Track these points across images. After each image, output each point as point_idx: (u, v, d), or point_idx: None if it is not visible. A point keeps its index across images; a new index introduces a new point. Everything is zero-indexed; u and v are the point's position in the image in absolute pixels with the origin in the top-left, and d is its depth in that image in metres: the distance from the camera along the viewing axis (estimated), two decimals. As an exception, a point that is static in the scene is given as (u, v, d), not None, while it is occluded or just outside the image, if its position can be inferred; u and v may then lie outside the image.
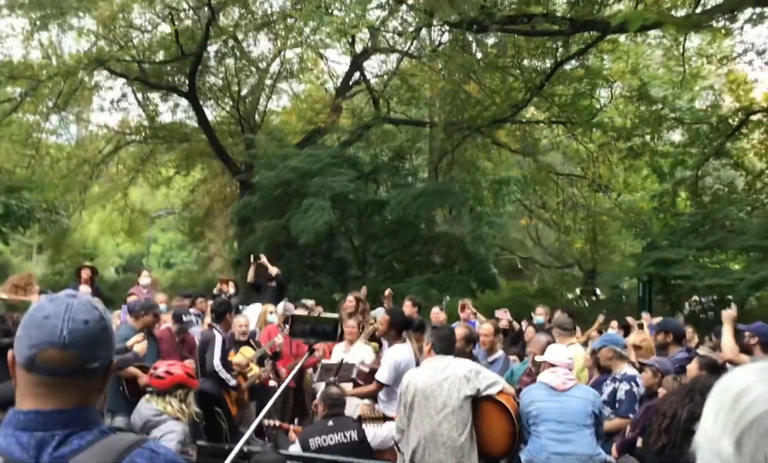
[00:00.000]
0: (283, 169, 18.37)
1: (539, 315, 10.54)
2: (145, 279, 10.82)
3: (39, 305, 1.65)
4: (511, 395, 5.58)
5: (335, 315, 6.52)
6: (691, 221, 18.71)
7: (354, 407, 7.89)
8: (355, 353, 8.45)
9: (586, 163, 22.39)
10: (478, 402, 5.35)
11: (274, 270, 12.23)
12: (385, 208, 20.14)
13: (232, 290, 12.40)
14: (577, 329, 11.15)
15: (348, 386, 7.18)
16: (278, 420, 8.72)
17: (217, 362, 7.66)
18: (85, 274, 10.51)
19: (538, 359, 6.46)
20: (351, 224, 21.23)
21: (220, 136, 22.38)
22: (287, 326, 9.22)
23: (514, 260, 34.54)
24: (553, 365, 5.83)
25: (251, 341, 9.12)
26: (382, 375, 6.86)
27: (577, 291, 26.55)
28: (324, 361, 8.57)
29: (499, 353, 8.12)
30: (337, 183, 18.27)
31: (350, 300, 9.91)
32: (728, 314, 6.50)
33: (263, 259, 12.47)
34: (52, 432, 1.57)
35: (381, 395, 6.99)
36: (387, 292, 10.92)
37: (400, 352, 6.93)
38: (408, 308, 10.33)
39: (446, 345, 5.60)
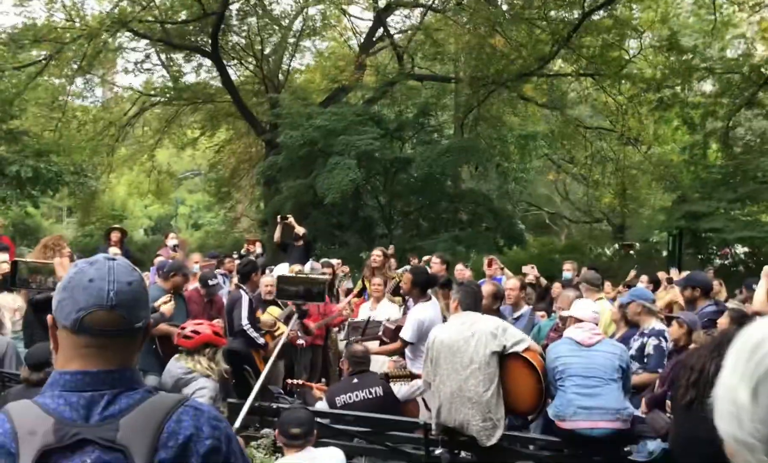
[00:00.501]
0: (308, 128, 18.34)
1: (567, 271, 10.49)
2: (172, 240, 10.93)
3: (79, 269, 1.68)
4: (537, 352, 5.60)
5: (324, 276, 6.51)
6: (722, 173, 18.47)
7: (381, 363, 8.01)
8: (382, 310, 8.53)
9: (615, 115, 22.04)
10: (504, 359, 5.38)
11: (300, 230, 12.29)
12: (411, 166, 20.11)
13: (259, 249, 12.63)
14: (606, 284, 11.13)
15: (373, 345, 7.25)
16: (305, 378, 8.93)
17: (245, 321, 7.75)
18: (115, 236, 10.63)
19: (563, 314, 6.45)
20: (377, 182, 21.18)
21: (244, 96, 22.36)
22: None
23: (542, 215, 34.40)
24: (579, 320, 5.82)
25: (278, 301, 9.19)
26: (406, 333, 6.89)
27: (616, 246, 26.36)
28: (351, 319, 8.68)
29: (525, 308, 8.10)
30: (362, 141, 18.25)
31: (377, 254, 9.92)
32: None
33: (290, 219, 12.52)
34: (101, 392, 1.62)
35: (407, 352, 7.04)
36: (412, 261, 10.94)
37: (424, 310, 6.96)
38: (437, 265, 10.34)
39: (473, 301, 5.63)
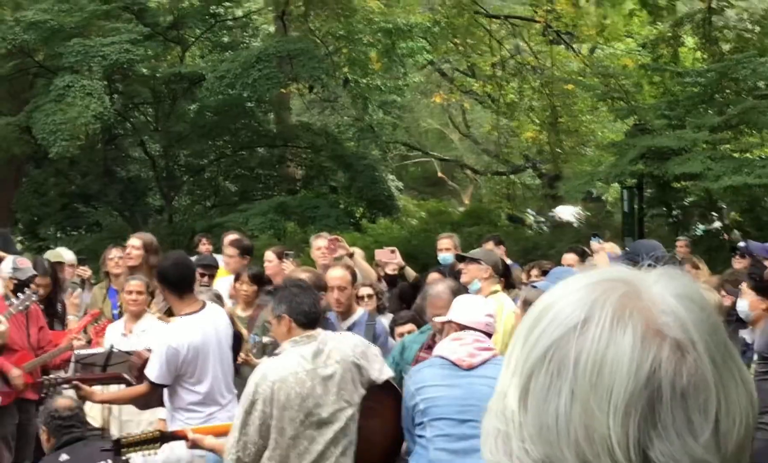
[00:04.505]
0: (15, 26, 17.94)
1: (446, 252, 10.55)
2: None
3: None
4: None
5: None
6: (701, 84, 19.12)
7: (147, 425, 7.92)
8: (144, 334, 8.46)
9: (537, -5, 22.59)
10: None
11: None
12: (199, 88, 19.97)
13: None
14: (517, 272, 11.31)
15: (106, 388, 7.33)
16: (10, 454, 8.72)
17: None
18: None
19: (438, 319, 6.50)
20: (143, 118, 21.02)
21: None
22: (19, 299, 9.04)
23: (431, 164, 34.84)
24: (463, 327, 5.88)
25: None
26: (152, 369, 6.84)
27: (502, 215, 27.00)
28: (79, 351, 8.53)
29: (359, 312, 8.24)
30: (112, 48, 18.07)
31: (131, 244, 9.91)
32: None
33: None
34: None
35: (166, 400, 7.00)
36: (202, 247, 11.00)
37: (181, 330, 6.95)
38: (233, 253, 10.42)
39: (312, 310, 5.71)
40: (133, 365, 7.34)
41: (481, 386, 5.57)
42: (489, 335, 5.97)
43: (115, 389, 7.76)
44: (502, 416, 1.21)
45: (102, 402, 7.47)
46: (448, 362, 5.72)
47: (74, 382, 7.21)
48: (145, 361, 7.09)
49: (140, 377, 7.13)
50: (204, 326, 7.01)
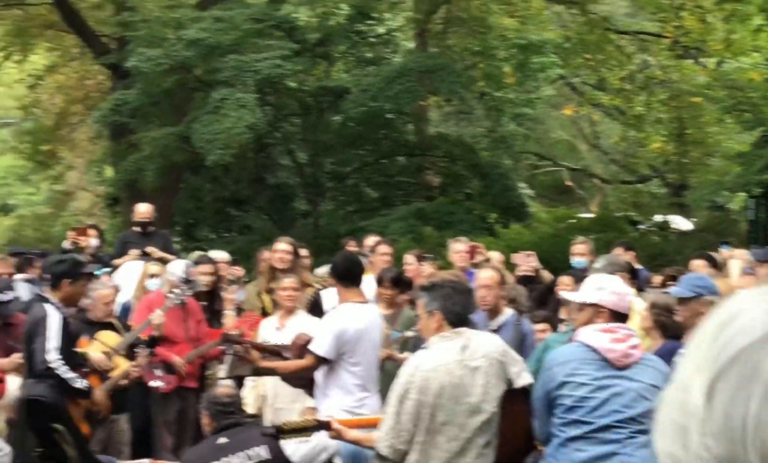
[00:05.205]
0: (177, 44, 18.29)
1: (579, 256, 10.44)
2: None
3: None
4: None
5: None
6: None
7: (298, 414, 8.01)
8: (294, 331, 8.45)
9: (666, 13, 22.29)
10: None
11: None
12: (345, 101, 20.23)
13: (93, 241, 12.42)
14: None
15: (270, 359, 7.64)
16: (172, 443, 8.93)
17: (52, 354, 7.53)
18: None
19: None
20: (292, 129, 21.36)
21: (73, -6, 22.15)
22: (177, 293, 9.30)
23: (560, 173, 34.57)
24: (611, 314, 5.60)
25: (116, 322, 9.15)
26: (321, 344, 7.11)
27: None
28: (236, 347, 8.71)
29: (507, 314, 8.06)
30: (265, 63, 18.32)
31: (282, 248, 10.01)
32: None
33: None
34: None
35: (321, 380, 7.23)
36: (347, 241, 11.20)
37: (348, 313, 7.22)
38: (383, 256, 10.50)
39: (463, 310, 5.68)
40: (294, 345, 7.57)
41: (630, 392, 5.39)
42: (626, 318, 5.74)
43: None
44: (682, 410, 1.20)
45: (264, 369, 7.77)
46: (599, 356, 5.44)
47: (247, 344, 7.83)
48: (306, 342, 7.36)
49: (299, 357, 7.41)
50: (367, 316, 7.37)
